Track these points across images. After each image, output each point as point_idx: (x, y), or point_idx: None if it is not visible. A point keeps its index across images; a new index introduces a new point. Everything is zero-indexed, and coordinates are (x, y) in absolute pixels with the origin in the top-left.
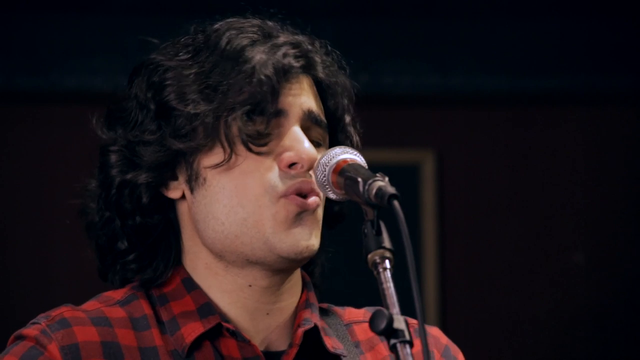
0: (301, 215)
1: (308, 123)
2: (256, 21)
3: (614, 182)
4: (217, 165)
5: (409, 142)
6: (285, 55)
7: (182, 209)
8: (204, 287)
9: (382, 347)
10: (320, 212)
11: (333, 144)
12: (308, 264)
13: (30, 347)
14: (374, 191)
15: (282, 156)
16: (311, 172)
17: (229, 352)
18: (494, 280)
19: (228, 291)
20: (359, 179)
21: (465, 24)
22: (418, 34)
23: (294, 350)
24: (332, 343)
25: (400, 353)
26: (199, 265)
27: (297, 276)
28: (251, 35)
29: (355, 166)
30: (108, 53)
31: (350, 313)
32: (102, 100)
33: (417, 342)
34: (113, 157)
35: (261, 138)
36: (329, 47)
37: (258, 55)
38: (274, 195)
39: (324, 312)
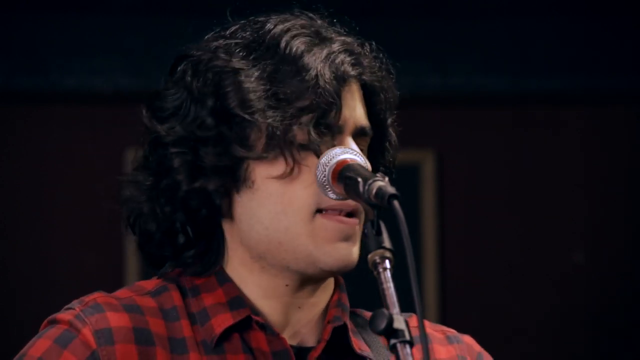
0: (345, 232)
1: (358, 135)
2: (304, 21)
3: (614, 182)
4: (278, 177)
5: (409, 142)
6: (342, 62)
7: (225, 204)
8: (237, 281)
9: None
10: (360, 227)
11: (374, 144)
12: None
13: (64, 330)
14: (374, 191)
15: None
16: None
17: (258, 344)
18: (494, 280)
19: (263, 287)
20: (359, 179)
21: (465, 24)
22: (418, 34)
23: (322, 346)
24: (359, 345)
25: (400, 353)
26: (234, 260)
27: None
28: (307, 38)
29: (355, 166)
30: (108, 53)
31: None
32: (102, 100)
33: (443, 348)
34: (177, 161)
35: (327, 149)
36: (377, 49)
37: (318, 62)
38: (319, 209)
39: (355, 315)
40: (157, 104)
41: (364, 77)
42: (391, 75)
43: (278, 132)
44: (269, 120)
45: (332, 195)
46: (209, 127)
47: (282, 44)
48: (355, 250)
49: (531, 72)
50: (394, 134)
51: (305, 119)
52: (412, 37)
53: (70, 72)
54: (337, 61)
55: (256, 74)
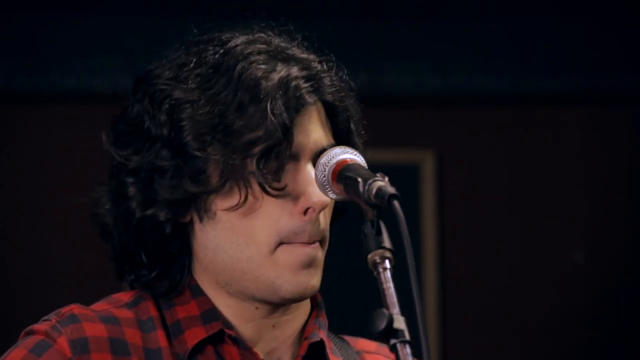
0: (307, 260)
1: (318, 156)
2: (265, 38)
3: (614, 182)
4: (233, 208)
5: (409, 142)
6: (297, 88)
7: (190, 231)
8: (210, 296)
9: None
10: (323, 251)
11: None
12: None
13: (40, 340)
14: (374, 191)
15: (297, 202)
16: (320, 216)
17: (232, 358)
18: (494, 280)
19: (232, 308)
20: (359, 179)
21: (465, 24)
22: (418, 34)
23: None
24: None
25: (400, 353)
26: (204, 281)
27: None
28: (264, 64)
29: (355, 166)
30: (108, 53)
31: (362, 343)
32: (102, 100)
33: None
34: (131, 190)
35: (277, 181)
36: (337, 66)
37: (271, 91)
38: (280, 240)
39: (336, 338)
40: (118, 128)
41: (324, 97)
42: (352, 93)
43: (226, 165)
44: (220, 156)
45: (332, 195)
46: (164, 159)
47: (238, 71)
48: (316, 277)
49: (531, 72)
50: (359, 144)
51: (256, 150)
52: (412, 37)
53: (70, 72)
54: (291, 87)
55: (208, 107)
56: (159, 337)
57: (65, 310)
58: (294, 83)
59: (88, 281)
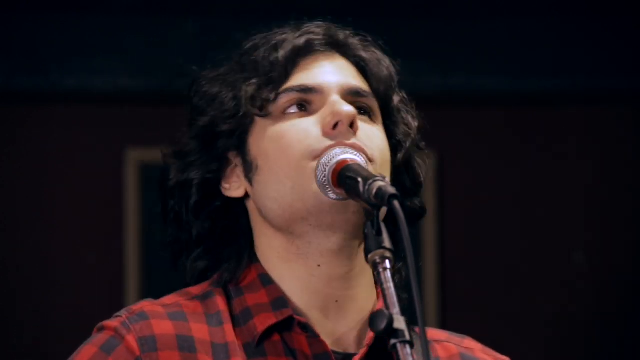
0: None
1: (349, 97)
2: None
3: (614, 182)
4: (263, 115)
5: None
6: (310, 32)
7: (250, 205)
8: (278, 279)
9: None
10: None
11: (386, 126)
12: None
13: (110, 337)
14: (374, 191)
15: (324, 121)
16: (361, 134)
17: (300, 346)
18: (494, 280)
19: (300, 278)
20: (359, 179)
21: (465, 24)
22: (418, 34)
23: (364, 351)
24: None
25: (400, 353)
26: (272, 256)
27: (366, 269)
28: (285, 34)
29: (355, 166)
30: (108, 53)
31: (432, 332)
32: (102, 100)
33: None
34: (172, 172)
35: (265, 103)
36: (368, 37)
37: (284, 35)
38: (314, 155)
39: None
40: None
41: (350, 52)
42: (385, 54)
43: (228, 94)
44: (224, 87)
45: (332, 195)
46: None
47: (261, 38)
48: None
49: (531, 72)
50: (412, 120)
51: (256, 78)
52: (412, 37)
53: (70, 72)
54: (306, 31)
55: (223, 71)
56: (226, 332)
57: (136, 307)
58: (310, 28)
59: (88, 281)
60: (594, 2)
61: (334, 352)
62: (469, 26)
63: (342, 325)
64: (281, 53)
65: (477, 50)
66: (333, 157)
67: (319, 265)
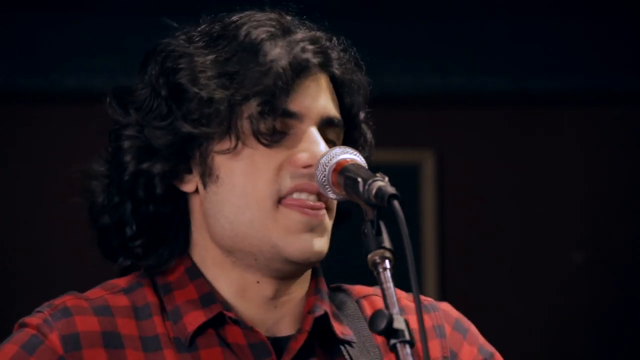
0: (308, 223)
1: (324, 126)
2: (274, 15)
3: (614, 182)
4: (224, 152)
5: (409, 142)
6: (303, 50)
7: (194, 202)
8: (210, 278)
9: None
10: (328, 217)
11: (347, 141)
12: None
13: (32, 335)
14: (374, 191)
15: (297, 156)
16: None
17: (235, 339)
18: (494, 280)
19: (235, 284)
20: (359, 179)
21: (465, 24)
22: (418, 34)
23: (303, 337)
24: (341, 329)
25: (400, 353)
26: (207, 258)
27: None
28: (270, 29)
29: (355, 166)
30: (108, 53)
31: (359, 289)
32: (102, 101)
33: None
34: (127, 143)
35: (272, 134)
36: (346, 44)
37: (276, 49)
38: (280, 194)
39: (333, 292)
40: (122, 97)
41: (331, 69)
42: (361, 70)
43: (223, 108)
44: (215, 96)
45: (332, 195)
46: (164, 116)
47: (243, 32)
48: (321, 241)
49: (531, 72)
50: (368, 131)
51: (255, 100)
52: (412, 37)
53: (70, 72)
54: (296, 49)
55: (211, 57)
56: (156, 324)
57: (58, 302)
58: (300, 45)
59: (88, 281)
60: (594, 2)
61: (269, 338)
62: (469, 26)
63: (275, 315)
64: (280, 71)
65: (477, 50)
66: (333, 157)
67: (257, 282)
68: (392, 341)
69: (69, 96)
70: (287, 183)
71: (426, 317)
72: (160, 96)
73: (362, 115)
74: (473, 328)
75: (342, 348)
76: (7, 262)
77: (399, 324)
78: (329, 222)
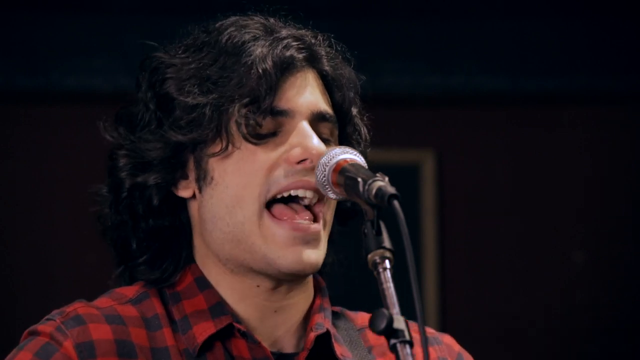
0: (298, 238)
1: (316, 121)
2: (259, 18)
3: (614, 182)
4: (216, 154)
5: (409, 142)
6: (286, 47)
7: (193, 208)
8: (214, 284)
9: None
10: (324, 229)
11: (342, 138)
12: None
13: (45, 343)
14: (374, 191)
15: (290, 153)
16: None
17: (240, 352)
18: (494, 280)
19: (236, 289)
20: (359, 179)
21: (465, 24)
22: (418, 34)
23: (304, 354)
24: (341, 350)
25: (400, 353)
26: (209, 263)
27: (307, 278)
28: (253, 31)
29: (355, 166)
30: (108, 53)
31: (363, 318)
32: (102, 100)
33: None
34: (122, 161)
35: (260, 133)
36: (333, 41)
37: (259, 49)
38: (272, 192)
39: (336, 317)
40: (116, 116)
41: (318, 65)
42: (349, 65)
43: (208, 113)
44: (200, 101)
45: (332, 195)
46: (153, 129)
47: (225, 37)
48: (316, 253)
49: (531, 72)
50: (363, 127)
51: (240, 102)
52: (412, 37)
53: (70, 72)
54: (280, 47)
55: (195, 64)
56: (166, 336)
57: (69, 309)
58: (284, 42)
59: (88, 281)
60: (594, 2)
61: (273, 354)
62: (469, 26)
63: (280, 328)
64: (264, 70)
65: (477, 50)
66: (333, 157)
67: (257, 286)
68: (392, 341)
69: (69, 96)
70: (281, 181)
71: (430, 350)
72: (149, 109)
73: (355, 110)
74: None
75: None
76: (7, 262)
77: (399, 324)
78: (324, 234)
